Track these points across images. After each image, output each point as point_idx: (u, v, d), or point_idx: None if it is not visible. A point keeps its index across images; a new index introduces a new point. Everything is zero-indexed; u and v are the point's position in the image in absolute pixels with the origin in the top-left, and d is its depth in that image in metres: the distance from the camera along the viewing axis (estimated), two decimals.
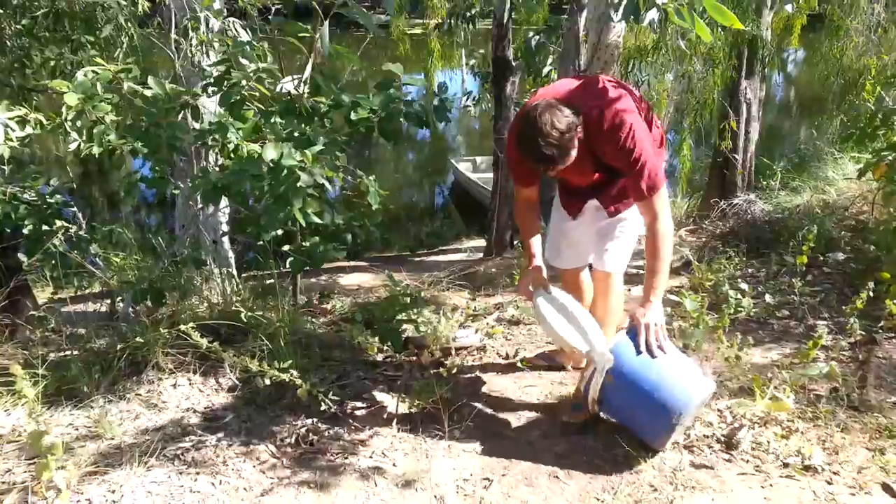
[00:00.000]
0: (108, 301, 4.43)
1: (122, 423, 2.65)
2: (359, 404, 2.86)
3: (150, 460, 2.41)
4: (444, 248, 9.11)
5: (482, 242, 8.16)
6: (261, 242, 2.88)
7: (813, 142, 8.21)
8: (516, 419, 2.72)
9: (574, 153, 2.30)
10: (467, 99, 8.75)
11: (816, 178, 7.18)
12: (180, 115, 3.47)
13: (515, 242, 7.14)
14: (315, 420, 2.67)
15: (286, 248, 3.26)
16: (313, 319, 4.07)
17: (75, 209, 4.43)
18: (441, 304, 4.22)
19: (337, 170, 2.71)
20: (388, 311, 3.31)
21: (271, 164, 2.50)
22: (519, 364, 3.13)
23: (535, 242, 2.72)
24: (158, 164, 3.30)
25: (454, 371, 2.64)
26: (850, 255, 4.51)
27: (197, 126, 3.36)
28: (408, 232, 10.58)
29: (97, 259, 4.38)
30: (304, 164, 2.46)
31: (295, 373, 2.43)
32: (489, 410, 2.80)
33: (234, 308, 3.56)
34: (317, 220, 2.70)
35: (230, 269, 4.96)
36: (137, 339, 2.95)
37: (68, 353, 3.29)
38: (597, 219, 2.76)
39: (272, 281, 4.32)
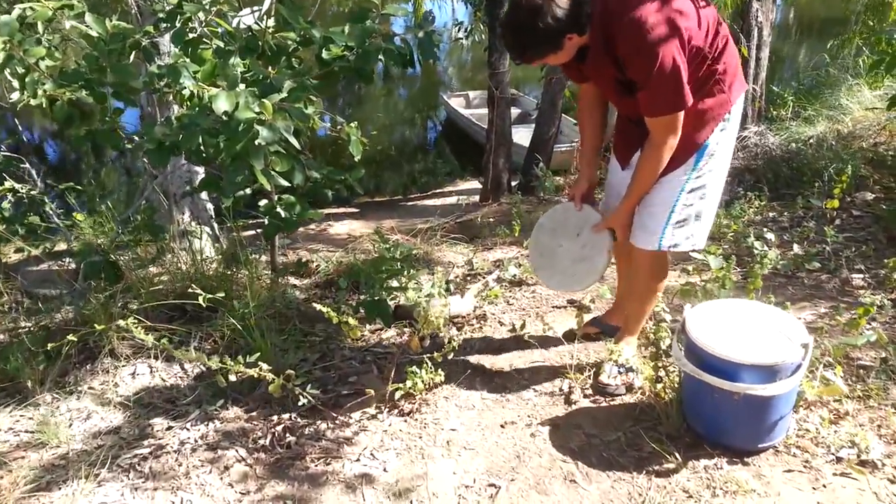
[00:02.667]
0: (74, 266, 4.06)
1: (72, 425, 2.30)
2: (344, 391, 2.52)
3: (101, 472, 2.07)
4: (437, 190, 8.67)
5: (477, 184, 7.74)
6: (225, 206, 2.47)
7: (825, 67, 7.70)
8: (524, 406, 2.38)
9: (555, 50, 1.96)
10: (458, 30, 8.15)
11: (830, 107, 6.74)
12: (132, 58, 3.02)
13: (514, 185, 6.72)
14: (293, 414, 2.33)
15: (260, 206, 2.86)
16: (295, 283, 3.71)
17: (27, 165, 4.01)
18: (435, 262, 3.84)
19: (307, 119, 2.27)
20: (374, 277, 2.93)
21: (224, 118, 2.07)
22: (527, 336, 2.78)
23: (590, 152, 2.43)
24: (104, 114, 2.86)
25: (450, 355, 2.28)
26: (880, 195, 4.13)
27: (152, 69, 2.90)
28: (401, 170, 10.11)
29: (56, 219, 3.99)
30: (263, 117, 2.03)
31: (265, 366, 2.06)
32: (492, 396, 2.45)
33: (205, 274, 3.19)
34: (283, 181, 2.29)
35: (210, 224, 4.57)
36: (94, 324, 2.58)
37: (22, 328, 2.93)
38: None
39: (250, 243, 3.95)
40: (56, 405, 2.38)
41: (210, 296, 2.28)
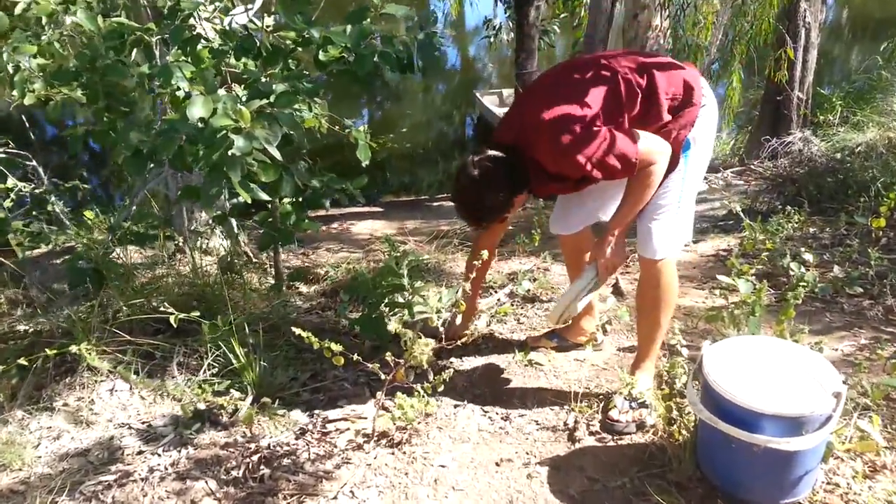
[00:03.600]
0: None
1: (39, 445, 2.17)
2: (331, 414, 2.34)
3: (61, 499, 1.93)
4: None
5: None
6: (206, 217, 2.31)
7: (877, 70, 7.28)
8: (523, 441, 2.18)
9: (507, 211, 2.15)
10: (486, 28, 7.93)
11: (881, 113, 6.36)
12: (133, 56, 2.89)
13: None
14: (273, 443, 2.16)
15: (254, 219, 2.71)
16: (301, 291, 3.56)
17: (34, 163, 3.92)
18: (447, 274, 3.65)
19: (297, 127, 2.10)
20: (374, 292, 2.76)
21: (200, 125, 1.91)
22: (520, 358, 2.59)
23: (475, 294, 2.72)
24: (98, 115, 2.74)
25: (440, 387, 2.08)
26: None
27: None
28: (430, 169, 9.92)
29: (62, 217, 3.91)
30: (240, 126, 1.86)
31: (237, 394, 1.90)
32: (490, 427, 2.26)
33: (205, 282, 3.06)
34: (263, 196, 2.12)
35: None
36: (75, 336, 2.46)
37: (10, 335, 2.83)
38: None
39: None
40: (27, 422, 2.26)
41: (183, 315, 2.12)
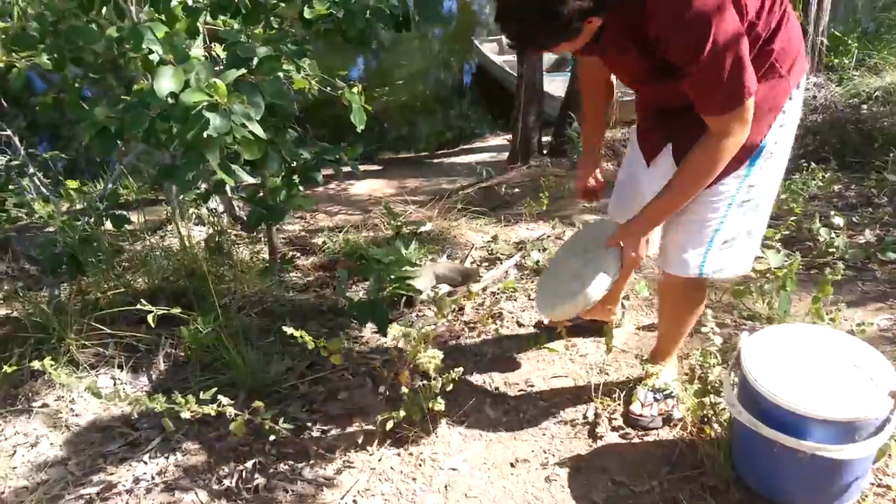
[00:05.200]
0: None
1: (15, 454, 2.00)
2: (332, 409, 2.17)
3: None
4: (465, 146, 8.20)
5: (508, 140, 7.25)
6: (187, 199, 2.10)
7: None
8: (540, 438, 2.00)
9: (572, 37, 1.45)
10: None
11: None
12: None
13: (545, 142, 6.22)
14: (268, 445, 1.99)
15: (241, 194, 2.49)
16: (297, 264, 3.36)
17: (8, 132, 3.67)
18: (451, 243, 3.44)
19: (282, 97, 1.87)
20: (373, 269, 2.56)
21: (171, 101, 1.69)
22: (549, 346, 2.38)
23: (591, 131, 2.05)
24: (65, 84, 2.50)
25: (448, 387, 1.89)
26: None
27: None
28: (428, 123, 9.62)
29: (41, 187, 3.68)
30: (215, 101, 1.63)
31: (225, 400, 1.71)
32: (504, 422, 2.08)
33: (190, 259, 2.86)
34: (247, 178, 1.89)
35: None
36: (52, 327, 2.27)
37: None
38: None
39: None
40: (1, 428, 2.08)
41: (161, 311, 1.93)
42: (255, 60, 1.96)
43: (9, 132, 3.66)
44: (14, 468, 1.94)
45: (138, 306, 1.98)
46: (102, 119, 1.84)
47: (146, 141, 1.92)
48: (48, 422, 2.11)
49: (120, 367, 2.29)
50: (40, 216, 3.53)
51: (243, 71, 1.78)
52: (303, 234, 4.02)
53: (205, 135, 1.60)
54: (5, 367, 2.06)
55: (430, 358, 1.62)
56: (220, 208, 3.89)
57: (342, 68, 3.65)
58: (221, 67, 1.88)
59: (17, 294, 2.89)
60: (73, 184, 4.12)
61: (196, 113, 1.66)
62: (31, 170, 3.58)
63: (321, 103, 2.94)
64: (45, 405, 2.17)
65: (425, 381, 1.83)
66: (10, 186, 3.48)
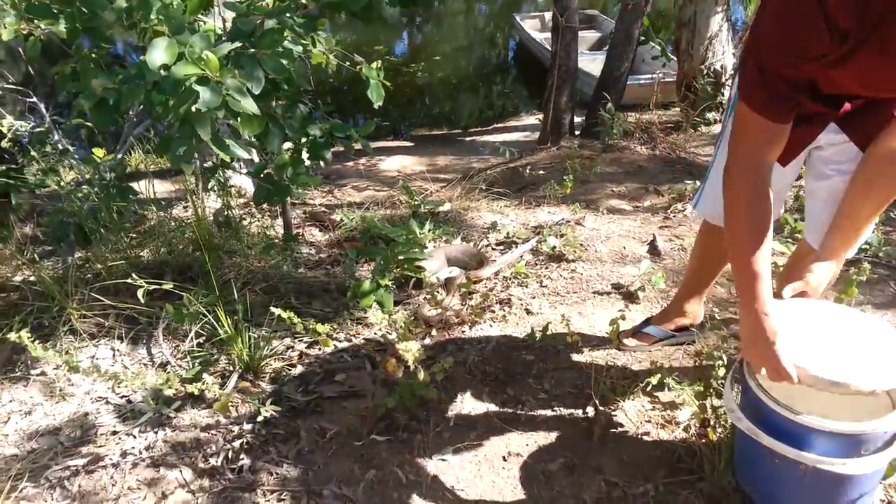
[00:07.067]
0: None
1: (9, 421, 2.01)
2: (327, 391, 2.13)
3: (23, 486, 1.78)
4: (498, 125, 8.07)
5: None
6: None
7: None
8: (536, 432, 1.94)
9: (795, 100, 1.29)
10: None
11: None
12: None
13: (577, 122, 6.07)
14: (258, 426, 1.96)
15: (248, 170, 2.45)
16: (312, 241, 3.33)
17: (34, 99, 3.70)
18: (468, 225, 3.37)
19: (284, 71, 1.81)
20: (383, 252, 2.51)
21: (163, 73, 1.64)
22: (555, 337, 2.31)
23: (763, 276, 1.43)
24: (78, 54, 2.48)
25: (440, 376, 1.83)
26: None
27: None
28: (464, 101, 9.49)
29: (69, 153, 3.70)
30: (206, 75, 1.58)
31: (210, 379, 1.68)
32: (501, 412, 2.02)
33: (203, 231, 2.85)
34: (242, 154, 1.84)
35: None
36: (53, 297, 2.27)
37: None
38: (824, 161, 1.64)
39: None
40: None
41: (153, 286, 1.90)
42: (256, 35, 1.90)
43: (34, 99, 3.69)
44: (6, 435, 1.95)
45: (133, 276, 1.96)
46: (101, 91, 1.81)
47: (148, 113, 1.88)
48: (45, 391, 2.11)
49: (120, 338, 2.29)
50: (51, 185, 3.57)
51: (239, 44, 1.72)
52: (322, 209, 3.99)
53: (193, 109, 1.55)
54: (10, 335, 2.07)
55: (405, 350, 1.56)
56: (240, 182, 3.88)
57: (383, 43, 3.59)
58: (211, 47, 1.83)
59: (35, 260, 2.92)
60: (98, 152, 4.15)
61: (188, 87, 1.61)
62: (56, 136, 3.61)
63: (357, 78, 2.88)
64: (42, 373, 2.18)
65: (413, 369, 1.77)
66: (32, 154, 3.51)
